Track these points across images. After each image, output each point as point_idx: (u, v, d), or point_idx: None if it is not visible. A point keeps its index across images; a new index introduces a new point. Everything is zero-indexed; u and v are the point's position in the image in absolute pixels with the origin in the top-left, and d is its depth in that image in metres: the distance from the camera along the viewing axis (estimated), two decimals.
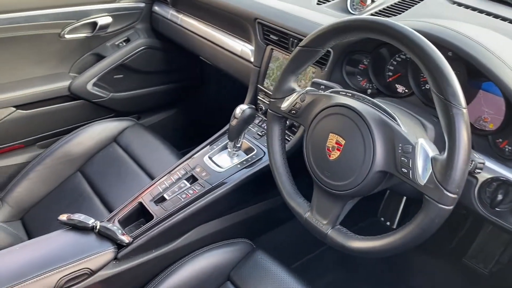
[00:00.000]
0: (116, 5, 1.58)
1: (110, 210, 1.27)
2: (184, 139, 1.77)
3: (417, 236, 0.65)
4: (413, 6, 1.05)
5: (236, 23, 1.30)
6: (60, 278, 0.87)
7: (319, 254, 1.35)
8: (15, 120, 1.48)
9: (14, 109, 1.47)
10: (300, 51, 0.83)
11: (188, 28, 1.51)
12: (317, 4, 1.20)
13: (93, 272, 0.91)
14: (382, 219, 1.54)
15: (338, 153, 0.74)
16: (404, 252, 0.70)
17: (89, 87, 1.58)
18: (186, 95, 1.92)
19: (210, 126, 1.36)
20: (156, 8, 1.66)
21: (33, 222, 1.36)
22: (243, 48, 1.30)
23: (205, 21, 1.46)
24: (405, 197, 1.48)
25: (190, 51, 1.57)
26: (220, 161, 1.12)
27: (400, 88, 0.93)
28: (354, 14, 1.13)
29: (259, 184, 1.08)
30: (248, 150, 1.14)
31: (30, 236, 1.32)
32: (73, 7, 1.48)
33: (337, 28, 0.75)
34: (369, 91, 0.98)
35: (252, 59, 1.26)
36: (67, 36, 1.51)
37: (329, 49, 0.99)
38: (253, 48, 1.25)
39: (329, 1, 1.20)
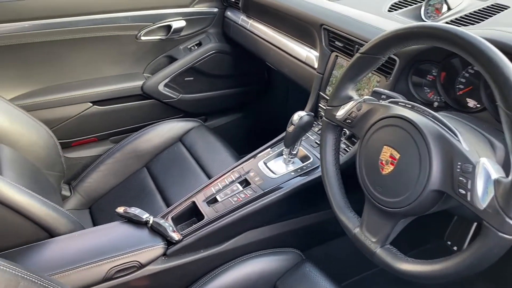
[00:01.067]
0: (191, 10, 1.64)
1: (168, 206, 1.31)
2: (247, 143, 1.77)
3: (472, 266, 0.59)
4: (495, 14, 0.96)
5: (302, 29, 1.28)
6: (111, 268, 0.90)
7: (372, 274, 1.28)
8: (91, 115, 1.59)
9: (91, 104, 1.57)
10: (359, 58, 0.79)
11: (256, 33, 1.53)
12: (388, 11, 1.15)
13: (141, 266, 0.94)
14: (449, 243, 1.43)
15: (392, 167, 0.70)
16: (466, 277, 0.64)
17: (161, 87, 1.65)
18: (252, 100, 1.93)
19: (274, 132, 1.36)
20: (228, 13, 1.70)
21: (99, 212, 1.44)
22: (308, 54, 1.28)
23: (273, 26, 1.46)
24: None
25: (257, 56, 1.58)
26: (275, 167, 1.11)
27: (471, 103, 0.85)
28: (427, 22, 1.07)
29: (313, 194, 1.05)
30: (304, 158, 1.11)
31: (95, 225, 1.40)
32: (150, 11, 1.56)
33: (398, 35, 0.71)
34: (436, 104, 0.91)
35: (316, 66, 1.23)
36: (143, 38, 1.59)
37: (395, 57, 0.94)
38: (317, 54, 1.23)
39: (401, 8, 1.14)
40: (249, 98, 1.93)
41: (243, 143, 1.75)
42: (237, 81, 1.85)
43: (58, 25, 1.44)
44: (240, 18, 1.62)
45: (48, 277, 0.78)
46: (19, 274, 0.72)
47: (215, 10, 1.70)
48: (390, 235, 0.73)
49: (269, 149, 1.18)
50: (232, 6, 1.68)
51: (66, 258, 0.89)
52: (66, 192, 1.47)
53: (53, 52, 1.48)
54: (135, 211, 1.01)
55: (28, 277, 0.73)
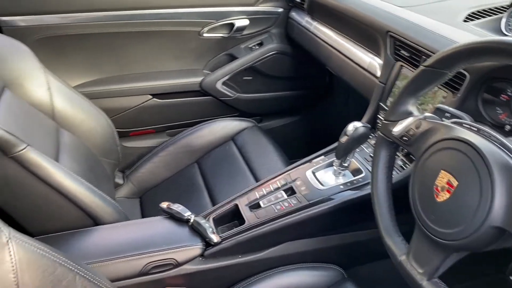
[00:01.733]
0: (255, 9, 1.62)
1: (214, 204, 1.31)
2: (299, 148, 1.73)
3: None
4: None
5: (367, 35, 1.22)
6: (148, 263, 0.91)
7: None
8: (150, 107, 1.63)
9: (150, 97, 1.61)
10: (423, 71, 0.73)
11: (319, 36, 1.48)
12: (464, 21, 1.06)
13: (178, 264, 0.93)
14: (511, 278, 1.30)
15: (448, 195, 0.63)
16: None
17: (219, 85, 1.66)
18: (310, 104, 1.88)
19: (328, 140, 1.31)
20: (293, 14, 1.66)
21: (148, 202, 1.47)
22: (371, 61, 1.21)
23: (337, 30, 1.40)
24: None
25: (318, 60, 1.54)
26: (323, 177, 1.06)
27: None
28: (508, 36, 0.97)
29: (361, 210, 0.99)
30: (356, 172, 1.06)
31: (143, 215, 1.43)
32: (214, 8, 1.56)
33: (470, 49, 0.64)
34: (507, 127, 0.81)
35: (378, 74, 1.16)
36: (205, 35, 1.60)
37: (465, 72, 0.86)
38: (381, 62, 1.16)
39: (479, 19, 1.05)
40: (306, 102, 1.88)
41: (295, 148, 1.71)
42: (296, 83, 1.81)
43: (125, 18, 1.48)
44: (305, 20, 1.57)
45: (85, 266, 0.79)
46: (57, 260, 0.74)
47: (280, 10, 1.67)
48: (439, 269, 0.66)
49: (319, 158, 1.13)
50: (297, 6, 1.64)
51: (106, 249, 0.91)
52: (119, 180, 1.51)
53: (119, 44, 1.53)
54: (178, 208, 1.01)
55: (65, 264, 0.75)
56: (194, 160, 1.53)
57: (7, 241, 0.67)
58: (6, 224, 0.68)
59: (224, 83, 1.67)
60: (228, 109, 1.73)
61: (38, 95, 1.23)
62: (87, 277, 0.78)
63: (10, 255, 0.67)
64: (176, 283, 0.94)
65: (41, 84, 1.24)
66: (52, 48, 1.47)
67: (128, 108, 1.60)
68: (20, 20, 1.41)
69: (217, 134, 1.56)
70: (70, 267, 0.75)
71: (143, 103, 1.60)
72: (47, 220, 0.99)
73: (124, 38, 1.53)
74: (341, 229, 1.03)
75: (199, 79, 1.64)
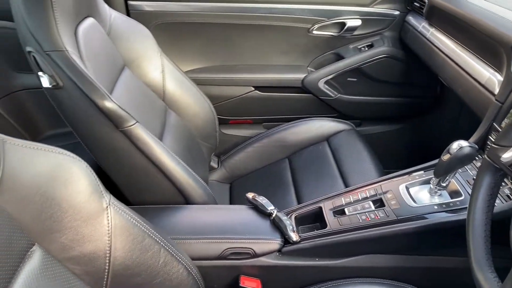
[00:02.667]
0: (370, 10, 1.57)
1: (299, 202, 1.31)
2: (397, 159, 1.66)
3: None
4: None
5: (489, 47, 1.11)
6: (227, 248, 0.94)
7: None
8: (251, 99, 1.67)
9: (253, 88, 1.65)
10: None
11: (435, 43, 1.38)
12: None
13: (255, 255, 0.95)
14: None
15: None
16: None
17: (321, 84, 1.64)
18: (416, 114, 1.78)
19: (430, 155, 1.23)
20: (410, 18, 1.57)
21: (237, 189, 1.52)
22: (491, 77, 1.10)
23: (455, 39, 1.30)
24: None
25: (431, 68, 1.44)
26: (417, 194, 1.00)
27: None
28: None
29: (453, 235, 0.91)
30: (454, 193, 0.98)
31: (231, 200, 1.49)
32: (327, 6, 1.55)
33: None
34: None
35: (496, 92, 1.06)
36: (314, 32, 1.59)
37: None
38: (501, 79, 1.05)
39: None
40: (412, 111, 1.78)
41: (393, 158, 1.63)
42: (403, 90, 1.72)
43: (240, 10, 1.54)
44: (421, 25, 1.48)
45: (170, 241, 0.85)
46: (147, 231, 0.80)
47: (396, 13, 1.59)
48: None
49: (417, 173, 1.07)
50: (415, 10, 1.55)
51: (192, 228, 0.96)
52: (214, 164, 1.59)
53: (231, 35, 1.59)
54: (262, 200, 1.03)
55: (153, 236, 0.81)
56: (286, 156, 1.55)
57: (107, 207, 0.74)
58: (108, 191, 0.76)
59: (326, 82, 1.65)
60: (327, 109, 1.71)
61: (152, 76, 1.33)
62: (170, 251, 0.83)
63: (108, 220, 0.74)
64: (251, 273, 0.97)
65: (157, 67, 1.34)
66: (169, 33, 1.59)
67: (231, 97, 1.66)
68: (146, 5, 1.53)
69: (312, 132, 1.55)
70: (157, 239, 0.81)
71: (245, 94, 1.65)
72: (144, 192, 1.07)
73: (237, 29, 1.59)
74: (427, 251, 0.96)
75: (302, 75, 1.64)
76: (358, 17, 1.57)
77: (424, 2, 1.44)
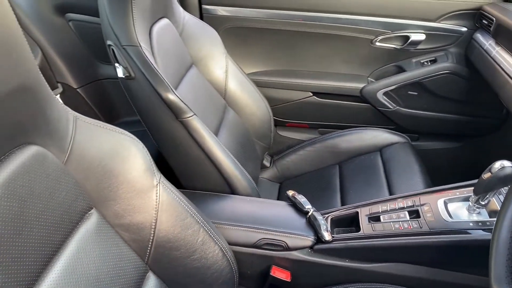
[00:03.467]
0: (436, 25, 1.56)
1: None
2: (450, 177, 1.62)
3: None
4: None
5: None
6: (262, 238, 1.01)
7: None
8: (309, 104, 1.73)
9: (311, 94, 1.71)
10: None
11: (498, 62, 1.35)
12: None
13: (288, 248, 1.01)
14: None
15: None
16: None
17: (379, 95, 1.66)
18: (476, 134, 1.73)
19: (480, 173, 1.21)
20: (478, 35, 1.54)
21: (285, 189, 1.59)
22: None
23: None
24: None
25: (492, 87, 1.41)
26: (455, 210, 1.00)
27: None
28: None
29: (486, 255, 0.91)
30: (493, 213, 0.97)
31: (278, 199, 1.56)
32: (392, 19, 1.56)
33: None
34: None
35: None
36: (377, 43, 1.61)
37: None
38: None
39: None
40: (473, 131, 1.73)
41: (445, 176, 1.61)
42: (465, 109, 1.68)
43: (306, 18, 1.60)
44: (488, 43, 1.45)
45: (210, 223, 0.94)
46: (189, 211, 0.89)
47: (464, 29, 1.57)
48: None
49: (459, 189, 1.06)
50: (483, 28, 1.52)
51: (232, 215, 1.05)
52: (266, 163, 1.67)
53: (294, 41, 1.66)
54: (301, 199, 1.09)
55: (195, 216, 0.90)
56: (337, 162, 1.58)
57: (157, 184, 0.84)
58: (159, 171, 0.86)
59: (385, 94, 1.66)
60: (384, 120, 1.72)
61: (216, 75, 1.44)
62: (209, 232, 0.92)
63: (156, 196, 0.84)
64: (282, 264, 1.03)
65: (221, 67, 1.45)
66: (237, 36, 1.69)
67: (289, 101, 1.73)
68: (218, 10, 1.65)
69: (366, 142, 1.58)
70: (198, 220, 0.90)
71: (303, 98, 1.72)
72: (195, 179, 1.18)
73: (302, 36, 1.65)
74: (456, 267, 0.96)
75: (360, 85, 1.67)
76: (422, 31, 1.56)
77: (492, 20, 1.41)
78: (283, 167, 1.65)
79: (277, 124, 1.81)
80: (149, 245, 0.84)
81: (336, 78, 1.70)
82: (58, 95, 1.63)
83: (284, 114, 1.77)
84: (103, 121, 0.86)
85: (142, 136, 1.13)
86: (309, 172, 1.61)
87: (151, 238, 0.84)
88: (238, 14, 1.66)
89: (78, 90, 1.65)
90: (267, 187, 1.62)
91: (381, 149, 1.55)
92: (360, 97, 1.68)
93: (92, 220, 0.77)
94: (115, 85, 1.68)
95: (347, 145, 1.58)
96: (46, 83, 0.68)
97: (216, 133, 1.31)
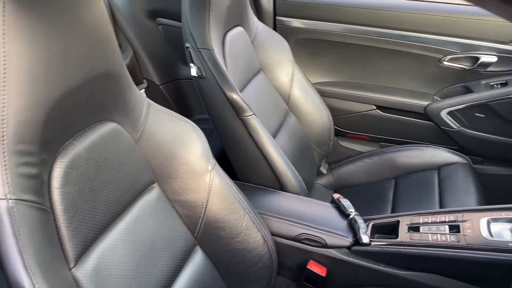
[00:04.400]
0: (509, 48, 1.53)
1: None
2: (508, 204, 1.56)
3: None
4: None
5: None
6: (302, 233, 1.09)
7: None
8: (372, 117, 1.77)
9: (375, 107, 1.75)
10: None
11: None
12: None
13: (326, 246, 1.08)
14: None
15: None
16: None
17: (443, 113, 1.65)
18: None
19: None
20: None
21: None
22: None
23: None
24: None
25: None
26: (497, 230, 1.00)
27: None
28: None
29: None
30: None
31: None
32: (463, 39, 1.56)
33: None
34: None
35: None
36: (445, 63, 1.61)
37: None
38: None
39: None
40: None
41: (502, 202, 1.55)
42: None
43: (374, 34, 1.65)
44: None
45: (255, 212, 1.04)
46: (237, 197, 1.00)
47: None
48: None
49: (506, 211, 1.06)
50: None
51: (277, 208, 1.14)
52: (323, 169, 1.73)
53: (362, 55, 1.72)
54: (345, 202, 1.15)
55: (241, 203, 1.01)
56: (393, 176, 1.61)
57: (211, 169, 0.96)
58: (214, 158, 0.98)
59: (450, 113, 1.65)
60: (446, 139, 1.70)
61: (282, 81, 1.54)
62: (253, 219, 1.02)
63: (209, 179, 0.96)
64: (319, 260, 1.09)
65: (287, 74, 1.55)
66: (306, 47, 1.78)
67: (352, 112, 1.78)
68: (291, 22, 1.76)
69: (424, 159, 1.58)
70: (244, 206, 1.01)
71: (366, 111, 1.76)
72: (249, 173, 1.29)
73: (370, 51, 1.70)
74: (490, 285, 0.96)
75: (425, 102, 1.68)
76: (494, 53, 1.54)
77: None
78: (339, 176, 1.71)
79: (338, 134, 1.86)
80: (199, 222, 0.96)
81: (401, 94, 1.72)
82: (143, 90, 1.84)
83: (347, 125, 1.82)
84: None
85: (210, 133, 1.27)
86: (365, 184, 1.65)
87: (202, 216, 0.96)
88: (311, 27, 1.76)
89: (160, 86, 1.85)
90: (322, 193, 1.68)
91: (439, 168, 1.55)
92: (424, 114, 1.69)
93: (153, 192, 0.91)
94: (191, 85, 1.85)
95: (405, 160, 1.60)
96: (127, 72, 0.83)
97: (275, 134, 1.41)
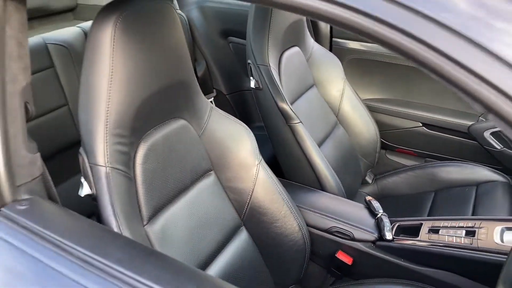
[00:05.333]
0: None
1: None
2: None
3: None
4: None
5: None
6: (334, 226, 1.26)
7: None
8: (418, 133, 1.89)
9: (421, 124, 1.86)
10: None
11: None
12: None
13: (353, 239, 1.24)
14: None
15: None
16: None
17: (486, 134, 1.72)
18: None
19: None
20: None
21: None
22: None
23: None
24: None
25: None
26: (510, 238, 1.10)
27: None
28: None
29: None
30: None
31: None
32: None
33: None
34: None
35: None
36: None
37: None
38: None
39: None
40: None
41: None
42: None
43: None
44: None
45: (294, 204, 1.23)
46: (278, 189, 1.20)
47: None
48: None
49: None
50: None
51: (313, 203, 1.32)
52: (369, 179, 1.88)
53: (410, 75, 1.85)
54: (375, 204, 1.31)
55: (281, 195, 1.20)
56: (433, 189, 1.71)
57: (257, 164, 1.17)
58: (261, 155, 1.19)
59: (493, 133, 1.72)
60: (489, 158, 1.77)
61: (332, 96, 1.73)
62: (290, 209, 1.21)
63: (256, 172, 1.17)
64: (347, 251, 1.26)
65: (338, 90, 1.73)
66: (356, 66, 1.95)
67: (399, 128, 1.91)
68: (346, 43, 1.94)
69: (464, 175, 1.68)
70: (283, 198, 1.20)
71: (413, 127, 1.88)
72: (294, 173, 1.48)
73: (417, 71, 1.83)
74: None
75: (469, 122, 1.76)
76: None
77: None
78: (383, 186, 1.84)
79: (387, 147, 1.99)
80: (246, 207, 1.17)
81: (446, 113, 1.82)
82: (212, 98, 2.11)
83: (394, 140, 1.95)
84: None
85: (266, 139, 1.49)
86: (407, 195, 1.77)
87: (248, 201, 1.17)
88: (364, 48, 1.92)
89: (227, 96, 2.11)
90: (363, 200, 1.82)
91: (478, 184, 1.63)
92: (468, 133, 1.78)
93: (210, 178, 1.14)
94: (252, 96, 2.09)
95: (446, 175, 1.70)
96: (196, 81, 1.08)
97: (321, 142, 1.59)
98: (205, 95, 1.86)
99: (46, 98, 1.40)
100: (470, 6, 0.44)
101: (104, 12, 0.83)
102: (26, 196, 0.80)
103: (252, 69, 1.45)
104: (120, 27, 0.82)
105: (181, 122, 1.05)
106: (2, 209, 0.74)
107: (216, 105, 1.93)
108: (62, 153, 1.44)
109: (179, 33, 0.98)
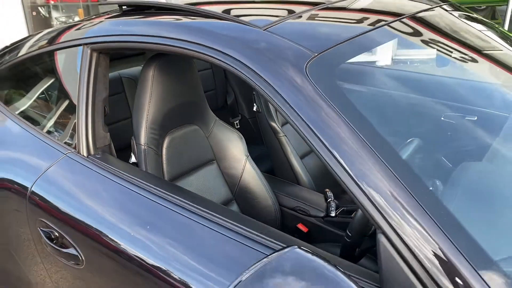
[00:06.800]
0: None
1: None
2: None
3: None
4: None
5: None
6: (297, 206, 1.82)
7: None
8: None
9: None
10: None
11: None
12: None
13: (309, 215, 1.79)
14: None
15: None
16: None
17: None
18: None
19: None
20: None
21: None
22: None
23: None
24: None
25: None
26: None
27: None
28: None
29: None
30: None
31: None
32: None
33: None
34: None
35: None
36: None
37: None
38: None
39: None
40: None
41: None
42: None
43: None
44: None
45: (270, 188, 1.82)
46: (260, 177, 1.80)
47: None
48: None
49: None
50: None
51: (288, 190, 1.89)
52: None
53: None
54: (329, 194, 1.85)
55: (262, 180, 1.80)
56: None
57: (245, 159, 1.78)
58: (247, 150, 1.80)
59: None
60: None
61: None
62: (267, 191, 1.80)
63: (244, 163, 1.77)
64: (305, 224, 1.81)
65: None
66: None
67: None
68: None
69: None
70: (263, 183, 1.79)
71: None
72: (279, 172, 2.07)
73: None
74: None
75: None
76: None
77: None
78: None
79: None
80: (236, 187, 1.78)
81: None
82: (238, 121, 2.75)
83: None
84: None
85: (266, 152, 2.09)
86: None
87: (238, 183, 1.77)
88: None
89: (248, 119, 2.74)
90: None
91: None
92: None
93: (213, 166, 1.76)
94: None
95: None
96: (206, 101, 1.73)
97: (306, 154, 2.16)
98: (233, 118, 2.57)
99: (118, 112, 2.12)
100: None
101: (150, 60, 1.51)
102: (100, 152, 1.48)
103: (255, 97, 2.08)
104: (157, 69, 1.50)
105: (193, 127, 1.70)
106: (90, 156, 1.42)
107: (240, 126, 2.61)
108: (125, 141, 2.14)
109: (194, 74, 1.64)
